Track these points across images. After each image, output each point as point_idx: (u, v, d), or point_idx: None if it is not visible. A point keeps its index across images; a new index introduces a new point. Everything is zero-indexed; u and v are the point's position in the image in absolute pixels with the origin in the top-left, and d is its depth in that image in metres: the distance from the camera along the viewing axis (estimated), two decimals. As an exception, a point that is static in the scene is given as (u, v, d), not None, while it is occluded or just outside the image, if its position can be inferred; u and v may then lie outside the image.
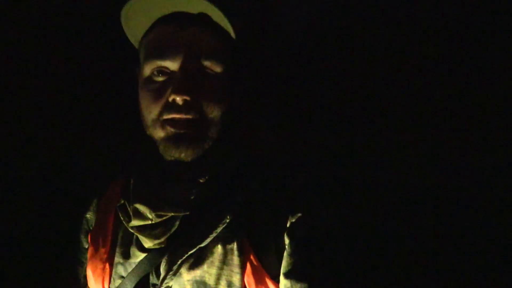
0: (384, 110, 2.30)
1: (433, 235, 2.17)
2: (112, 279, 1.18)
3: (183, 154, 1.08)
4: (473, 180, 2.34)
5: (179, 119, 1.07)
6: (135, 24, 1.16)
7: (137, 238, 1.15)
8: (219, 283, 1.07)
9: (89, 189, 1.35)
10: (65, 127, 2.03)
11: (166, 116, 1.08)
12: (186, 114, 1.07)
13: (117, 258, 1.18)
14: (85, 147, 1.91)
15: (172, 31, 1.10)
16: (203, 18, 1.12)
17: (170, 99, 1.07)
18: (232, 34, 1.13)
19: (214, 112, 1.10)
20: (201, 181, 1.13)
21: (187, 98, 1.06)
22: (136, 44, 1.22)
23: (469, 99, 2.50)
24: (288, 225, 1.08)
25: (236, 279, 1.06)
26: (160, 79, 1.10)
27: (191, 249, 1.07)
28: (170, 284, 1.09)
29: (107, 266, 1.19)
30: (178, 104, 1.06)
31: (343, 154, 1.91)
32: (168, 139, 1.08)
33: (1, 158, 2.01)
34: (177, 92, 1.06)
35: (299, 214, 1.07)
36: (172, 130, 1.07)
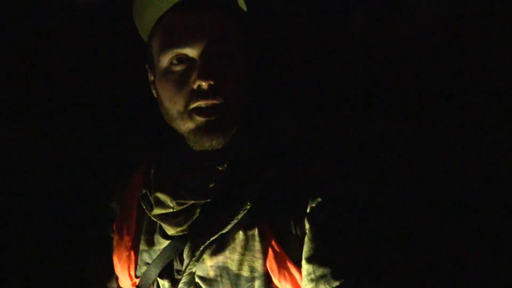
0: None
1: (456, 220, 2.16)
2: (137, 266, 1.21)
3: (215, 142, 1.08)
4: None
5: (206, 105, 1.06)
6: (146, 15, 1.15)
7: (161, 226, 1.17)
8: (241, 268, 1.08)
9: (113, 180, 1.38)
10: (88, 121, 2.07)
11: (193, 105, 1.07)
12: (213, 99, 1.06)
13: (142, 246, 1.21)
14: (108, 138, 1.95)
15: (187, 16, 1.09)
16: (215, 1, 1.11)
17: (195, 85, 1.06)
18: (245, 8, 1.13)
19: (238, 95, 1.10)
20: (220, 168, 1.13)
21: (212, 82, 1.05)
22: (145, 38, 1.21)
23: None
24: (308, 210, 1.08)
25: (258, 264, 1.07)
26: (180, 68, 1.08)
27: (213, 236, 1.08)
28: (193, 270, 1.11)
29: (132, 253, 1.22)
30: (204, 90, 1.05)
31: (364, 141, 1.90)
32: (198, 129, 1.08)
33: (27, 152, 2.07)
34: (202, 77, 1.04)
35: (319, 199, 1.07)
36: (202, 119, 1.07)
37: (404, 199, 2.02)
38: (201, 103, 1.06)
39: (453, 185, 2.19)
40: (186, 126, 1.10)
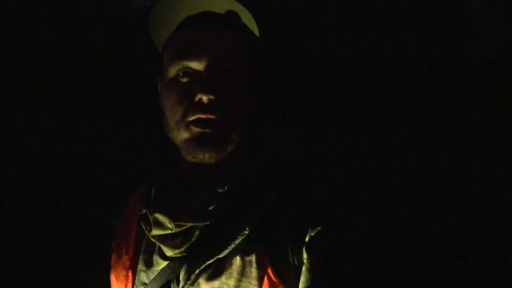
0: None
1: (466, 252, 2.12)
2: (134, 286, 1.20)
3: (207, 155, 1.09)
4: None
5: (204, 119, 1.07)
6: (162, 26, 1.19)
7: (159, 247, 1.16)
8: None
9: (114, 197, 1.38)
10: (94, 137, 2.09)
11: (191, 117, 1.08)
12: (211, 114, 1.07)
13: (140, 266, 1.20)
14: (111, 154, 1.96)
15: (198, 31, 1.11)
16: (229, 19, 1.14)
17: (196, 98, 1.07)
18: (257, 33, 1.14)
19: (237, 115, 1.10)
20: (220, 190, 1.12)
21: (213, 97, 1.06)
22: (159, 48, 1.24)
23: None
24: (307, 239, 1.06)
25: None
26: (185, 79, 1.11)
27: (209, 260, 1.07)
28: None
29: (130, 273, 1.21)
30: (203, 104, 1.07)
31: (366, 167, 1.89)
32: (192, 139, 1.09)
33: (22, 165, 2.08)
34: (203, 91, 1.06)
35: (319, 228, 1.05)
36: (197, 129, 1.08)
37: (408, 231, 1.99)
38: (200, 116, 1.07)
39: (458, 218, 2.15)
40: (181, 136, 1.11)
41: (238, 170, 1.15)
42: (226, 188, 1.12)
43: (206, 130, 1.08)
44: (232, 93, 1.09)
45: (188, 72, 1.10)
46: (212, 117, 1.07)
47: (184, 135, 1.10)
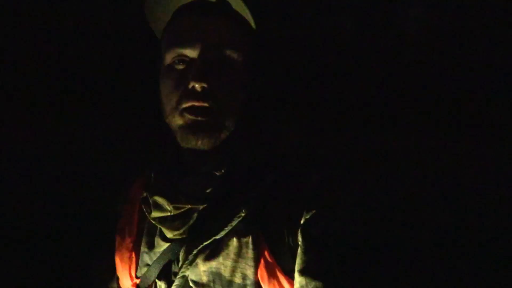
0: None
1: (450, 234, 2.12)
2: (138, 267, 1.23)
3: (200, 142, 1.10)
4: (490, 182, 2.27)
5: (198, 106, 1.09)
6: (160, 14, 1.20)
7: (160, 229, 1.19)
8: (234, 275, 1.09)
9: (119, 182, 1.41)
10: (93, 123, 2.11)
11: (185, 104, 1.10)
12: (204, 101, 1.09)
13: (143, 248, 1.23)
14: (114, 140, 1.99)
15: (193, 19, 1.13)
16: (224, 6, 1.14)
17: (190, 86, 1.09)
18: (253, 24, 1.15)
19: (231, 102, 1.12)
20: (217, 174, 1.14)
21: (205, 85, 1.08)
22: (158, 35, 1.26)
23: None
24: (302, 222, 1.08)
25: (250, 272, 1.08)
26: (180, 67, 1.13)
27: (206, 241, 1.10)
28: (186, 274, 1.13)
29: (133, 255, 1.24)
30: (197, 91, 1.08)
31: (362, 153, 1.90)
32: (186, 126, 1.11)
33: (28, 153, 2.12)
34: (196, 79, 1.08)
35: (314, 211, 1.07)
36: (190, 117, 1.10)
37: (402, 212, 2.00)
38: (193, 103, 1.09)
39: (452, 205, 2.15)
40: (176, 122, 1.13)
41: (235, 154, 1.16)
42: (223, 171, 1.14)
43: (200, 118, 1.09)
44: (225, 80, 1.11)
45: (183, 59, 1.12)
46: (206, 104, 1.09)
47: (179, 121, 1.12)
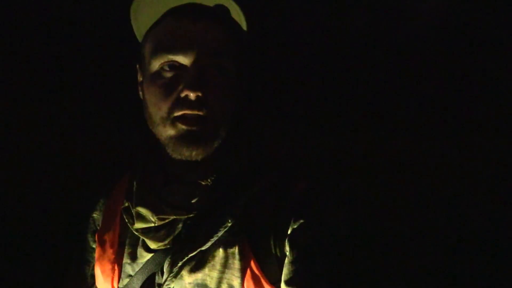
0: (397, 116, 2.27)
1: (442, 243, 2.15)
2: (120, 278, 1.19)
3: (194, 153, 1.07)
4: (481, 182, 2.30)
5: (191, 115, 1.05)
6: (144, 16, 1.14)
7: (143, 240, 1.15)
8: (220, 286, 1.07)
9: (95, 189, 1.37)
10: (70, 127, 2.05)
11: (177, 113, 1.05)
12: (198, 110, 1.04)
13: (125, 259, 1.19)
14: (91, 146, 1.93)
15: (185, 23, 1.07)
16: (216, 11, 1.10)
17: (183, 94, 1.04)
18: (244, 27, 1.12)
19: (224, 110, 1.08)
20: (203, 183, 1.12)
21: (200, 93, 1.04)
22: (140, 38, 1.20)
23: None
24: (289, 232, 1.06)
25: (237, 283, 1.06)
26: (170, 74, 1.07)
27: (192, 252, 1.07)
28: (171, 286, 1.10)
29: (116, 266, 1.20)
30: (190, 100, 1.04)
31: (349, 160, 1.90)
32: (179, 137, 1.06)
33: (6, 159, 2.05)
34: (190, 87, 1.03)
35: (301, 221, 1.06)
36: (184, 127, 1.05)
37: (393, 220, 2.01)
38: (186, 112, 1.05)
39: (444, 212, 2.18)
40: (167, 133, 1.08)
41: (222, 163, 1.14)
42: (209, 181, 1.12)
43: (194, 128, 1.05)
44: (219, 89, 1.07)
45: (174, 65, 1.07)
46: (200, 113, 1.05)
47: (170, 131, 1.07)
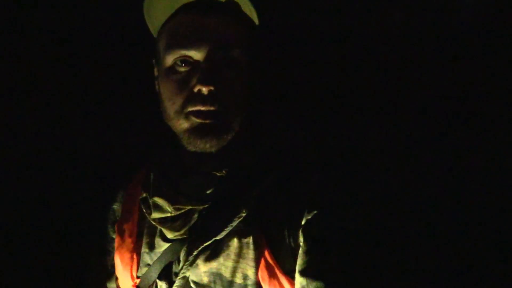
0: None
1: (455, 236, 2.11)
2: (139, 267, 1.23)
3: (208, 145, 1.08)
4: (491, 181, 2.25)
5: (204, 110, 1.06)
6: (157, 11, 1.16)
7: (161, 230, 1.18)
8: (235, 275, 1.09)
9: (115, 180, 1.40)
10: (88, 119, 2.08)
11: (191, 108, 1.07)
12: (211, 105, 1.06)
13: (144, 248, 1.22)
14: (110, 138, 1.97)
15: (197, 19, 1.09)
16: (227, 6, 1.11)
17: (196, 89, 1.06)
18: (257, 22, 1.12)
19: (236, 103, 1.09)
20: (218, 174, 1.13)
21: (212, 88, 1.05)
22: (154, 33, 1.22)
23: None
24: (303, 222, 1.07)
25: (251, 272, 1.08)
26: (184, 69, 1.09)
27: (207, 242, 1.09)
28: (187, 274, 1.12)
29: (135, 255, 1.23)
30: (203, 95, 1.06)
31: (363, 152, 1.89)
32: (193, 130, 1.08)
33: (24, 150, 2.10)
34: (203, 82, 1.05)
35: (315, 211, 1.06)
36: (197, 120, 1.07)
37: (405, 214, 1.99)
38: (199, 108, 1.07)
39: (458, 202, 2.14)
40: (182, 126, 1.10)
41: (236, 154, 1.15)
42: (224, 172, 1.13)
43: (207, 121, 1.07)
44: (232, 83, 1.08)
45: (187, 60, 1.09)
46: (212, 108, 1.06)
47: (184, 125, 1.09)
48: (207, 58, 1.07)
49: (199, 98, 1.06)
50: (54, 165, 2.04)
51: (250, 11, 1.14)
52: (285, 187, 1.12)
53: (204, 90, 1.05)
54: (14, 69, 2.09)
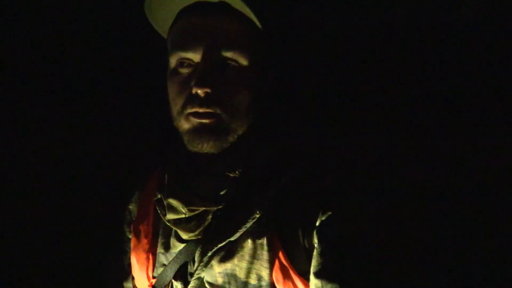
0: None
1: (473, 239, 2.08)
2: (155, 267, 1.24)
3: (205, 145, 1.09)
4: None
5: (202, 112, 1.07)
6: (160, 16, 1.17)
7: (176, 230, 1.19)
8: (249, 276, 1.09)
9: (131, 182, 1.41)
10: (106, 120, 2.10)
11: (190, 110, 1.08)
12: (208, 107, 1.06)
13: (159, 249, 1.24)
14: (125, 138, 1.98)
15: (194, 21, 1.09)
16: (227, 6, 1.10)
17: (193, 91, 1.07)
18: (258, 24, 1.09)
19: (237, 105, 1.08)
20: (231, 175, 1.13)
21: (209, 90, 1.05)
22: (164, 35, 1.23)
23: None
24: (318, 224, 1.07)
25: (265, 273, 1.08)
26: (185, 70, 1.10)
27: (221, 243, 1.10)
28: (202, 275, 1.13)
29: (150, 255, 1.25)
30: (200, 97, 1.06)
31: (379, 152, 1.87)
32: (192, 130, 1.09)
33: (43, 152, 2.12)
34: (199, 84, 1.05)
35: (330, 213, 1.06)
36: (196, 120, 1.08)
37: (421, 213, 1.97)
38: (197, 109, 1.07)
39: (475, 205, 2.11)
40: (183, 127, 1.11)
41: (249, 155, 1.15)
42: (237, 172, 1.13)
43: (205, 121, 1.08)
44: (231, 83, 1.08)
45: (187, 62, 1.09)
46: (209, 110, 1.06)
47: (185, 125, 1.10)
48: (204, 59, 1.07)
49: (197, 100, 1.07)
50: (72, 166, 2.07)
51: (245, 10, 1.10)
52: (299, 188, 1.11)
53: (200, 92, 1.06)
54: (24, 71, 2.12)
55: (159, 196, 1.22)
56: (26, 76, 2.17)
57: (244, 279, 1.09)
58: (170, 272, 1.19)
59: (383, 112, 2.09)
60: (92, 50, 2.12)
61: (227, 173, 1.14)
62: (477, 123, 2.27)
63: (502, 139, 2.20)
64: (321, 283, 1.02)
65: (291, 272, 1.07)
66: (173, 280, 1.19)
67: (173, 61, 1.12)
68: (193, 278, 1.13)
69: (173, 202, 1.15)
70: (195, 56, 1.08)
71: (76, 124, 2.17)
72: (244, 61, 1.09)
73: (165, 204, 1.18)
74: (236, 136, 1.11)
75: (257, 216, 1.09)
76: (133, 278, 1.32)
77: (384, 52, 2.17)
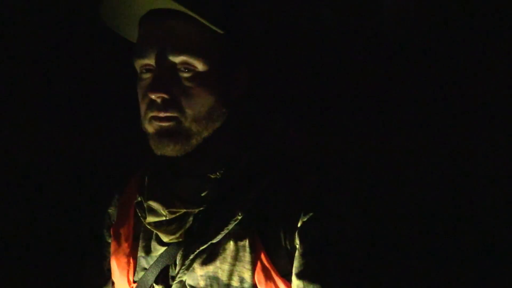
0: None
1: (455, 239, 2.10)
2: (136, 271, 1.22)
3: (166, 149, 1.08)
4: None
5: (161, 116, 1.07)
6: (123, 25, 1.16)
7: (157, 233, 1.17)
8: (231, 279, 1.08)
9: (110, 185, 1.39)
10: (84, 123, 2.08)
11: (150, 114, 1.08)
12: (165, 112, 1.06)
13: (140, 252, 1.22)
14: (104, 141, 1.96)
15: (149, 28, 1.09)
16: (179, 14, 1.07)
17: (150, 96, 1.07)
18: (214, 28, 1.06)
19: (196, 109, 1.07)
20: (212, 176, 1.13)
21: (163, 95, 1.05)
22: (134, 40, 1.20)
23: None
24: (299, 225, 1.06)
25: (247, 275, 1.07)
26: (146, 76, 1.10)
27: (203, 245, 1.09)
28: (184, 278, 1.12)
29: (131, 259, 1.23)
30: (157, 102, 1.06)
31: (361, 153, 1.88)
32: (154, 133, 1.09)
33: (19, 155, 2.09)
34: (152, 90, 1.05)
35: (311, 213, 1.06)
36: (157, 123, 1.08)
37: (404, 213, 1.98)
38: (156, 114, 1.07)
39: (458, 204, 2.13)
40: (147, 130, 1.11)
41: (231, 156, 1.14)
42: (218, 174, 1.13)
43: (164, 124, 1.07)
44: (187, 87, 1.07)
45: (148, 68, 1.09)
46: (167, 114, 1.06)
47: (149, 129, 1.10)
48: (157, 65, 1.07)
49: (155, 105, 1.07)
50: (50, 170, 2.04)
51: (198, 18, 1.06)
52: (281, 189, 1.11)
53: (154, 97, 1.06)
54: (14, 72, 2.09)
55: (139, 198, 1.21)
56: (17, 78, 2.14)
57: (227, 281, 1.09)
58: (151, 276, 1.17)
59: (366, 112, 2.11)
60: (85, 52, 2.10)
61: (208, 175, 1.13)
62: (458, 124, 2.30)
63: (488, 142, 2.23)
64: (303, 284, 1.02)
65: (273, 273, 1.06)
66: (154, 284, 1.17)
67: (137, 67, 1.12)
68: (175, 282, 1.12)
69: (153, 204, 1.14)
70: (151, 61, 1.08)
71: (56, 127, 2.14)
72: (200, 64, 1.07)
73: (145, 207, 1.16)
74: (200, 139, 1.10)
75: (239, 217, 1.08)
76: (113, 283, 1.30)
77: (370, 50, 2.19)
